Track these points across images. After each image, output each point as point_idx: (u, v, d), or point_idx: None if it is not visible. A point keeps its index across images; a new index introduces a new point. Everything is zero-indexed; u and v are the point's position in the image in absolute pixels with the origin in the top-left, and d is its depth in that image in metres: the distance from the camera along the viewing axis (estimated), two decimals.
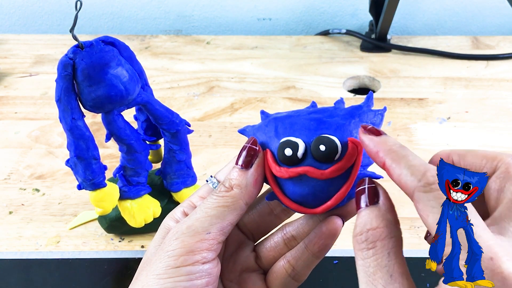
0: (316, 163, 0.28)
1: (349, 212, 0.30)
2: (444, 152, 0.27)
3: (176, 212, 0.31)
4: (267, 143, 0.30)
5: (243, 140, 0.71)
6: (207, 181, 0.32)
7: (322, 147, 0.28)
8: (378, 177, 0.29)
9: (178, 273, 0.26)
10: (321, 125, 0.29)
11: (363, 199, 0.26)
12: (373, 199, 0.26)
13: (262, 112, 0.33)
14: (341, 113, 0.30)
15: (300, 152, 0.28)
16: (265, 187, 0.32)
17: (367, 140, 0.27)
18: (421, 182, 0.24)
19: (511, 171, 0.25)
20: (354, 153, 0.28)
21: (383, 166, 0.26)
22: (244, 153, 0.29)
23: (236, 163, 0.29)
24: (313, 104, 0.33)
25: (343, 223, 0.30)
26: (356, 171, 0.28)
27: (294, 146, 0.28)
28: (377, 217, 0.25)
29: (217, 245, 0.28)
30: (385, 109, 0.31)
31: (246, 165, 0.29)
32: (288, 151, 0.28)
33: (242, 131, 0.33)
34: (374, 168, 0.29)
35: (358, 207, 0.26)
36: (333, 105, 0.32)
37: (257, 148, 0.29)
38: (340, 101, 0.32)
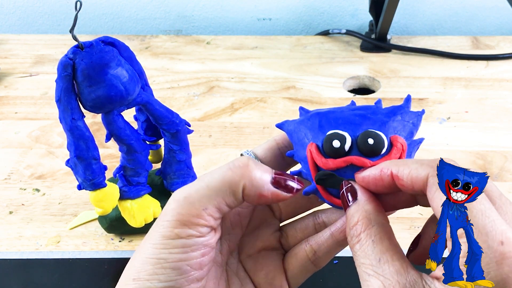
0: (362, 156, 0.29)
1: (385, 205, 0.30)
2: (384, 164, 0.27)
3: None
4: (311, 137, 0.30)
5: (243, 140, 0.71)
6: (241, 154, 0.31)
7: (371, 141, 0.28)
8: None
9: (173, 245, 0.26)
10: (366, 121, 0.29)
11: (346, 202, 0.27)
12: (354, 197, 0.27)
13: (301, 108, 0.33)
14: (384, 111, 0.31)
15: (347, 145, 0.28)
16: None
17: (366, 172, 0.27)
18: (434, 167, 0.24)
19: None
20: (399, 150, 0.29)
21: (390, 176, 0.26)
22: (286, 179, 0.28)
23: (274, 173, 0.28)
24: (353, 103, 0.33)
25: None
26: None
27: (342, 139, 0.28)
28: (356, 212, 0.26)
29: (214, 221, 0.27)
30: (423, 111, 0.32)
31: (274, 183, 0.28)
32: (336, 143, 0.28)
33: (280, 126, 0.32)
34: None
35: (345, 210, 0.27)
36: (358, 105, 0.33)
37: (294, 193, 0.29)
38: (379, 101, 0.33)
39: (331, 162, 0.29)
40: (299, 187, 0.29)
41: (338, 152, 0.28)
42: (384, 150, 0.28)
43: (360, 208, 0.26)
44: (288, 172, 0.32)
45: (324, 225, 0.32)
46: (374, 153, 0.28)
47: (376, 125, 0.29)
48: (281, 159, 0.32)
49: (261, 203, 0.29)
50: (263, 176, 0.28)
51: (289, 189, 0.28)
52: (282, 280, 0.32)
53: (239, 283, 0.31)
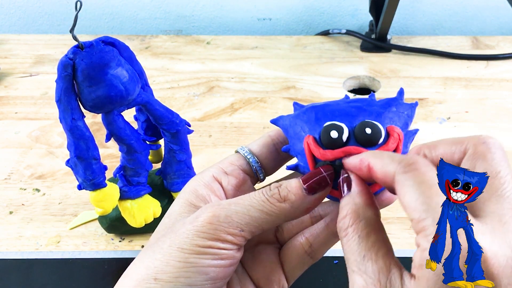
0: (360, 146, 0.29)
1: (383, 201, 0.30)
2: (415, 148, 0.27)
3: (204, 176, 0.31)
4: (307, 129, 0.30)
5: (244, 140, 0.71)
6: (237, 151, 0.31)
7: (368, 130, 0.28)
8: None
9: (204, 252, 0.27)
10: (362, 112, 0.30)
11: (341, 192, 0.27)
12: (348, 188, 0.27)
13: (296, 103, 0.33)
14: (379, 103, 0.31)
15: (345, 135, 0.29)
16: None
17: (349, 160, 0.27)
18: (401, 164, 0.23)
19: (479, 150, 0.24)
20: (396, 139, 0.29)
21: (367, 168, 0.26)
22: (316, 179, 0.28)
23: (303, 182, 0.28)
24: (347, 97, 0.34)
25: None
26: None
27: (339, 129, 0.29)
28: (346, 205, 0.26)
29: (244, 241, 0.28)
30: (416, 103, 0.32)
31: (310, 191, 0.28)
32: (334, 133, 0.29)
33: (275, 121, 0.32)
34: None
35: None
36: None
37: (330, 182, 0.28)
38: (372, 95, 0.33)
39: (329, 153, 0.29)
40: (330, 175, 0.29)
41: (336, 142, 0.29)
42: (381, 140, 0.28)
43: (350, 201, 0.26)
44: (284, 167, 0.32)
45: (320, 218, 0.32)
46: (371, 143, 0.28)
47: (372, 116, 0.29)
48: (276, 155, 0.32)
49: (309, 212, 0.29)
50: (298, 193, 0.28)
51: (324, 185, 0.28)
52: (279, 274, 0.32)
53: (237, 278, 0.31)
